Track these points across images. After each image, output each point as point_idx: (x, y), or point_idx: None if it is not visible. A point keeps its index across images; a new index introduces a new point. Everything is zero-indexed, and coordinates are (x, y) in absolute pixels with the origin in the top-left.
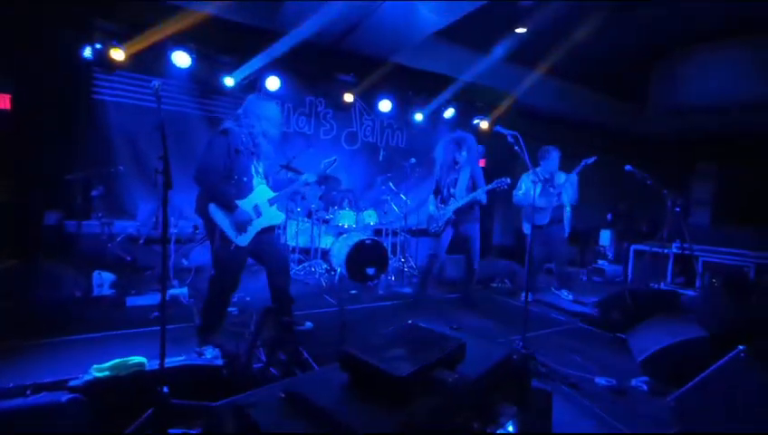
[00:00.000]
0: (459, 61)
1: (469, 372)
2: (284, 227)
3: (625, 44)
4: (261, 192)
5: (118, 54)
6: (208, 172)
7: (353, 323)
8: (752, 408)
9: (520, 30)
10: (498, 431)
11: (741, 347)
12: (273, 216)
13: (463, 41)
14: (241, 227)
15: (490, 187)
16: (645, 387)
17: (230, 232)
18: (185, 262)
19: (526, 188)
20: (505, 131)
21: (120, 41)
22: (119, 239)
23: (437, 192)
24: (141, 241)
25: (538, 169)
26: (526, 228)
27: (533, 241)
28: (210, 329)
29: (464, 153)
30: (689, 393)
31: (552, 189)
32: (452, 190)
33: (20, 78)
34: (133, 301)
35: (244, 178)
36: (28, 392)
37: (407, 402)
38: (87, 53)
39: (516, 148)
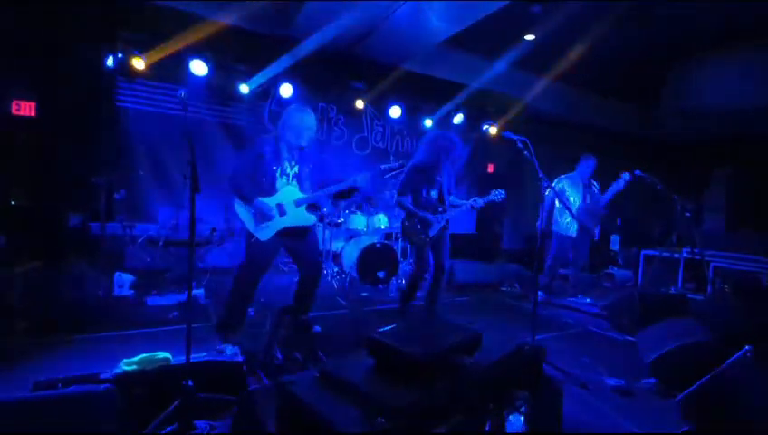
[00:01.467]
0: (468, 67)
1: (484, 359)
2: None
3: (636, 48)
4: (287, 193)
5: (139, 63)
6: (233, 173)
7: (365, 324)
8: (759, 407)
9: (529, 37)
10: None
11: (747, 347)
12: (300, 217)
13: (472, 48)
14: (261, 218)
15: (489, 198)
16: (652, 388)
17: (249, 225)
18: (200, 264)
19: (570, 190)
20: (515, 137)
21: (141, 50)
22: (140, 241)
23: (412, 194)
24: (161, 243)
25: (574, 175)
26: (565, 229)
27: (561, 243)
28: (230, 326)
29: (450, 156)
30: (697, 393)
31: (594, 194)
32: (434, 194)
33: (45, 86)
34: (153, 301)
35: (263, 179)
36: (59, 386)
37: (427, 382)
38: (110, 62)
39: (526, 153)
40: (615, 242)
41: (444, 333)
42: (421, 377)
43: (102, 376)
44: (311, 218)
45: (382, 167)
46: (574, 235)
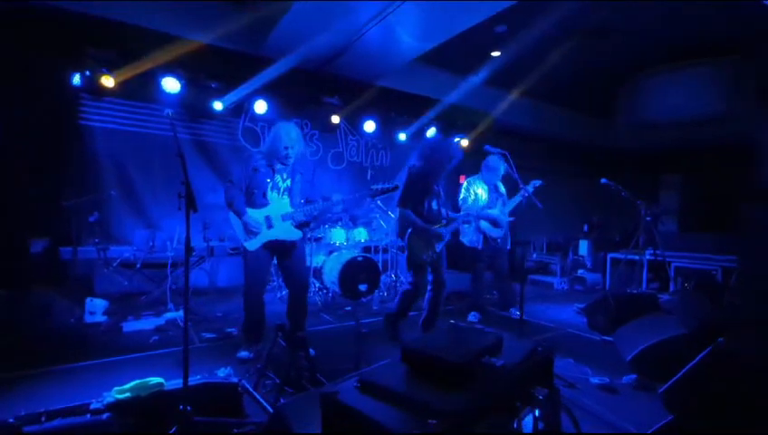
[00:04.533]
0: (439, 83)
1: (509, 360)
2: None
3: (593, 66)
4: (276, 206)
5: (108, 81)
6: (229, 187)
7: (360, 339)
8: (733, 394)
9: (495, 54)
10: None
11: (720, 340)
12: (286, 231)
13: (442, 65)
14: (249, 230)
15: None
16: (634, 383)
17: (240, 235)
18: (174, 286)
19: (476, 194)
20: (494, 150)
21: (110, 68)
22: (114, 265)
23: (414, 206)
24: (138, 266)
25: (483, 177)
26: (479, 241)
27: (487, 253)
28: (247, 334)
29: (449, 164)
30: (676, 386)
31: (499, 198)
32: (434, 205)
33: (6, 105)
34: (130, 326)
35: (255, 191)
36: (43, 419)
37: (465, 385)
38: (76, 79)
39: (505, 165)
40: (583, 247)
41: (470, 339)
42: (461, 381)
43: (93, 406)
44: (296, 234)
45: (374, 187)
46: (480, 246)
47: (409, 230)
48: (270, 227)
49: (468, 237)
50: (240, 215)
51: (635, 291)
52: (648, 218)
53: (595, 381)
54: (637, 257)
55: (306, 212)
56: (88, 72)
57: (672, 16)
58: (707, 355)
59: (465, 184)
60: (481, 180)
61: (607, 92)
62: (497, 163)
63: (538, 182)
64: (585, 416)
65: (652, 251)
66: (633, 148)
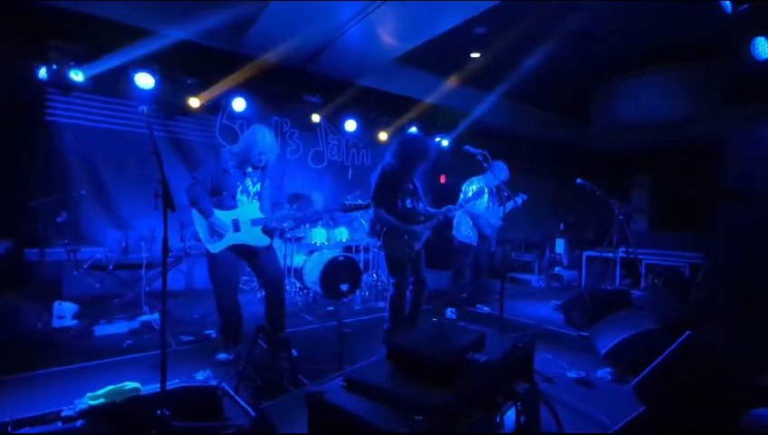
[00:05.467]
0: (420, 83)
1: (492, 356)
2: None
3: (570, 68)
4: (246, 210)
5: (77, 76)
6: (193, 184)
7: (343, 339)
8: (699, 384)
9: (474, 55)
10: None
11: (688, 333)
12: (253, 236)
13: (423, 65)
14: (213, 231)
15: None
16: (609, 377)
17: (203, 235)
18: (147, 288)
19: (483, 195)
20: (475, 151)
21: (79, 62)
22: (85, 266)
23: (386, 204)
24: (110, 267)
25: (486, 178)
26: (474, 238)
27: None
28: (225, 336)
29: (423, 162)
30: (647, 378)
31: (497, 201)
32: (408, 203)
33: None
34: (102, 330)
35: (224, 193)
36: (9, 429)
37: (450, 381)
38: (42, 73)
39: (486, 165)
40: (560, 245)
41: (453, 336)
42: (447, 377)
43: (64, 413)
44: (264, 240)
45: (347, 203)
46: (475, 243)
47: (384, 230)
48: (237, 230)
49: (465, 233)
50: (207, 216)
51: (609, 287)
52: (620, 217)
53: (572, 375)
54: (610, 255)
55: (277, 219)
56: (55, 66)
57: (646, 19)
58: (675, 349)
59: (466, 185)
60: (483, 182)
61: (582, 94)
62: (503, 167)
63: (524, 197)
64: (562, 409)
65: (625, 249)
66: (607, 149)
